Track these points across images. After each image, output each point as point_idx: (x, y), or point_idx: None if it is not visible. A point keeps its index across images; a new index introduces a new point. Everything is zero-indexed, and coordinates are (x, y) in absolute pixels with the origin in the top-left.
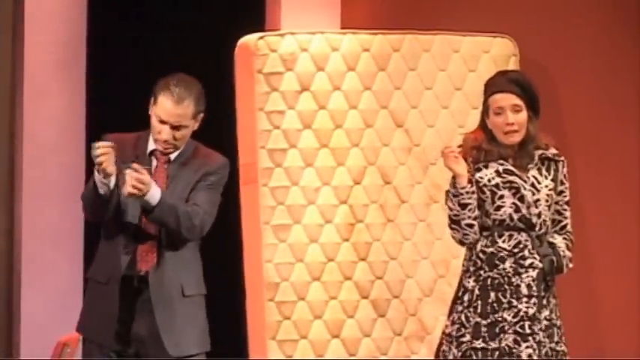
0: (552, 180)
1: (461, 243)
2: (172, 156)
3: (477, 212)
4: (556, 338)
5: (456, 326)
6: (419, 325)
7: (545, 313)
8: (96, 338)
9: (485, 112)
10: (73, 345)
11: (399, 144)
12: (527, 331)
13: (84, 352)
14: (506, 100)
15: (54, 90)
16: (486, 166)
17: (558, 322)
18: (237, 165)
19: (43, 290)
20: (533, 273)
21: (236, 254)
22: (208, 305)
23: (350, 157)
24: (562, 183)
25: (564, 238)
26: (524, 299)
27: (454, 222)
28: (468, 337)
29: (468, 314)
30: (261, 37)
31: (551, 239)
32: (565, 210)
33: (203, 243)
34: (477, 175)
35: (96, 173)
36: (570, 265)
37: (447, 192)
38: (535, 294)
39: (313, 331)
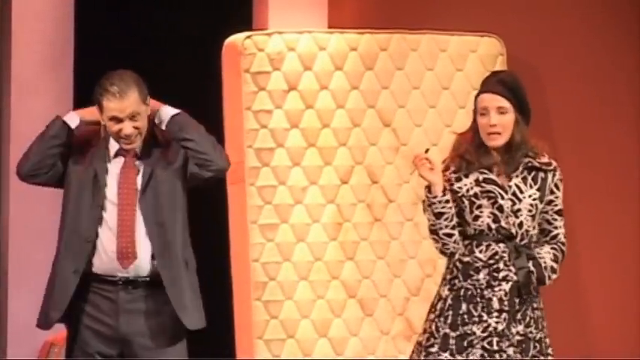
0: (538, 189)
1: (442, 253)
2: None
3: (454, 221)
4: (532, 352)
5: (426, 335)
6: (406, 324)
7: (519, 327)
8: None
9: (474, 113)
10: (61, 345)
11: (386, 143)
12: (495, 347)
13: (66, 352)
14: (492, 100)
15: (41, 89)
16: (467, 175)
17: (538, 335)
18: None
19: (30, 290)
20: (507, 286)
21: (223, 253)
22: None
23: (337, 157)
24: (552, 192)
25: (553, 249)
26: (495, 314)
27: (432, 232)
28: (435, 348)
29: (439, 324)
30: (249, 37)
31: (537, 250)
32: (555, 220)
33: (190, 242)
34: (457, 184)
35: (75, 116)
36: (553, 276)
37: (423, 202)
38: (506, 309)
39: (301, 331)
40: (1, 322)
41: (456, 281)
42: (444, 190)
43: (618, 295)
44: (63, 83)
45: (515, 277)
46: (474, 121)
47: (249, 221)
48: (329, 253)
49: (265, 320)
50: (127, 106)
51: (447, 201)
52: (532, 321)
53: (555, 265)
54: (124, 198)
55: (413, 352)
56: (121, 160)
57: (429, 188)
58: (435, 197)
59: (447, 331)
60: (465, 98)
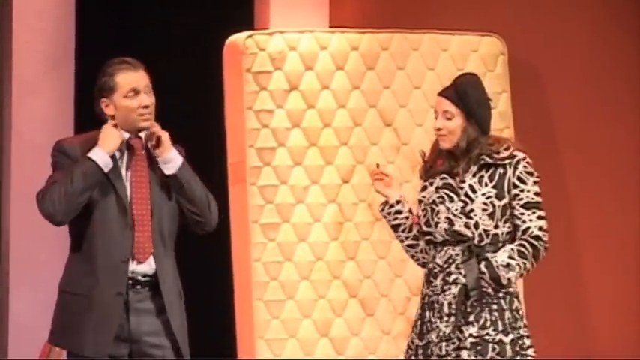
0: (494, 187)
1: (419, 265)
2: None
3: (414, 232)
4: (491, 354)
5: (406, 348)
6: (407, 324)
7: (472, 329)
8: (82, 352)
9: None
10: None
11: (387, 143)
12: (443, 352)
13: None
14: (440, 104)
15: (42, 89)
16: (432, 183)
17: (499, 337)
18: (226, 164)
19: (31, 290)
20: (455, 289)
21: (224, 253)
22: (197, 304)
23: (339, 156)
24: (515, 186)
25: (519, 244)
26: (445, 318)
27: (401, 243)
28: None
29: (412, 335)
30: (250, 36)
31: (502, 248)
32: (522, 214)
33: (192, 242)
34: (422, 194)
35: (99, 153)
36: (512, 274)
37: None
38: (453, 312)
39: (302, 330)
40: (3, 322)
41: (423, 289)
42: (399, 201)
43: (619, 295)
44: (64, 83)
45: (464, 280)
46: None
47: (251, 221)
48: (330, 252)
49: (266, 320)
50: (143, 76)
51: (398, 212)
52: (489, 323)
53: (514, 262)
54: (137, 192)
55: None
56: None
57: (385, 202)
58: (382, 210)
59: (417, 341)
60: None
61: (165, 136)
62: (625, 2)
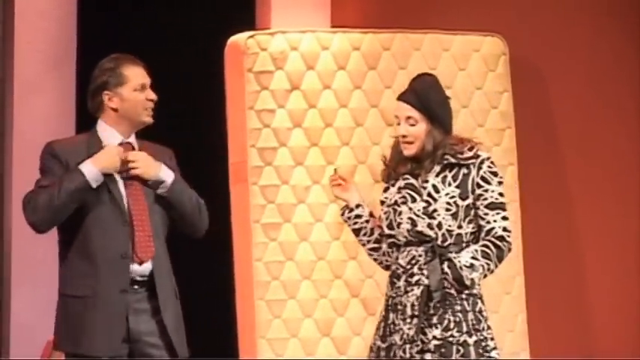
0: (458, 186)
1: (382, 268)
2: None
3: (376, 235)
4: (455, 356)
5: (369, 351)
6: None
7: (435, 332)
8: (100, 354)
9: None
10: None
11: (389, 143)
12: (407, 355)
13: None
14: (402, 110)
15: (44, 88)
16: (394, 184)
17: (463, 339)
18: (228, 164)
19: (32, 290)
20: (417, 291)
21: (226, 253)
22: (199, 304)
23: (340, 156)
24: (479, 186)
25: (483, 245)
26: (408, 320)
27: (362, 247)
28: None
29: (375, 337)
30: (252, 36)
31: (466, 249)
32: (487, 214)
33: (193, 242)
34: (384, 195)
35: (91, 168)
36: (475, 274)
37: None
38: (416, 313)
39: (303, 330)
40: (4, 322)
41: (387, 291)
42: (358, 205)
43: (620, 296)
44: (66, 82)
45: (426, 281)
46: None
47: (252, 220)
48: (332, 252)
49: (268, 319)
50: (147, 73)
51: (358, 216)
52: (453, 324)
53: (478, 263)
54: (133, 191)
55: None
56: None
57: (345, 206)
58: (342, 214)
59: (379, 343)
60: (468, 98)
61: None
62: (627, 3)
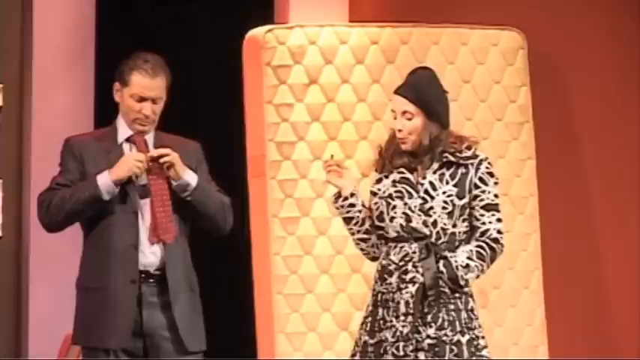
0: (455, 185)
1: (368, 259)
2: (150, 141)
3: (367, 225)
4: (449, 356)
5: (354, 344)
6: None
7: (429, 331)
8: (109, 346)
9: None
10: None
11: None
12: (401, 352)
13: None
14: (398, 104)
15: (63, 83)
16: (387, 177)
17: (456, 338)
18: (246, 158)
19: (51, 284)
20: (413, 288)
21: (244, 247)
22: (216, 299)
23: (358, 150)
24: (476, 186)
25: (477, 245)
26: (402, 317)
27: (352, 237)
28: (358, 357)
29: (361, 332)
30: (270, 30)
31: (460, 248)
32: (483, 215)
33: (211, 236)
34: (377, 186)
35: (107, 179)
36: (470, 275)
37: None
38: (411, 311)
39: (322, 324)
40: (22, 317)
41: (376, 286)
42: (352, 194)
43: (639, 288)
44: (85, 77)
45: (421, 279)
46: None
47: (271, 215)
48: (350, 246)
49: (286, 314)
50: (156, 87)
51: (352, 205)
52: (447, 323)
53: (473, 263)
54: (153, 171)
55: None
56: (132, 147)
57: (338, 194)
58: (336, 202)
59: (366, 338)
60: (487, 92)
61: (177, 160)
62: None
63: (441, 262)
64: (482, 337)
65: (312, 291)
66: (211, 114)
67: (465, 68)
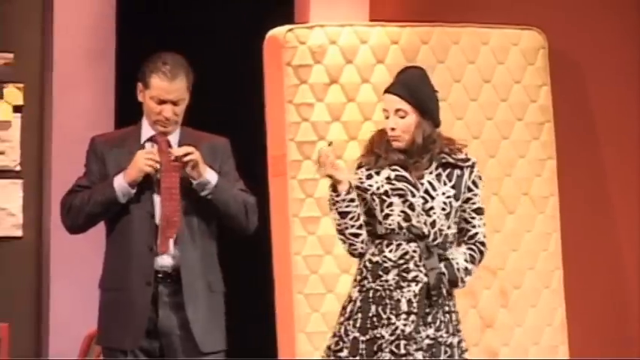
0: (453, 187)
1: (351, 254)
2: (173, 141)
3: (360, 221)
4: (443, 357)
5: (335, 339)
6: None
7: (429, 331)
8: (124, 346)
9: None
10: None
11: None
12: (402, 351)
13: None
14: (391, 103)
15: (83, 83)
16: (378, 173)
17: (450, 340)
18: (267, 157)
19: (71, 283)
20: (416, 288)
21: (265, 247)
22: (237, 299)
23: None
24: (469, 189)
25: (469, 249)
26: (403, 316)
27: (339, 232)
28: (345, 353)
29: (348, 327)
30: (290, 30)
31: (452, 250)
32: (473, 218)
33: (231, 236)
34: (367, 182)
35: (122, 182)
36: (467, 278)
37: (328, 201)
38: (415, 311)
39: None
40: (43, 316)
41: (365, 282)
42: (349, 188)
43: None
44: (105, 77)
45: (425, 279)
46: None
47: (291, 214)
48: None
49: (307, 313)
50: (175, 89)
51: (352, 199)
52: (443, 325)
53: (470, 266)
54: (165, 167)
55: (322, 356)
56: (154, 147)
57: (333, 186)
58: (338, 195)
59: (357, 334)
60: (507, 91)
61: (200, 159)
62: None
63: (442, 263)
64: (464, 340)
65: (332, 290)
66: (232, 114)
67: (485, 68)
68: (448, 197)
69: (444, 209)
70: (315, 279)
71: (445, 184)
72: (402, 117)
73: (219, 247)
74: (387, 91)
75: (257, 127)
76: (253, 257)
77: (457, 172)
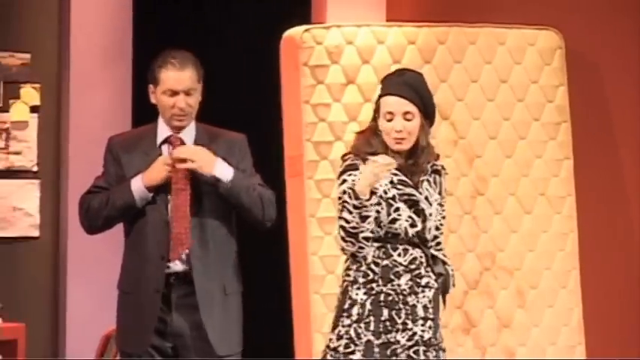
0: (439, 193)
1: (353, 256)
2: (189, 137)
3: (374, 224)
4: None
5: (344, 341)
6: (464, 317)
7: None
8: (133, 350)
9: (376, 112)
10: None
11: (444, 136)
12: (422, 357)
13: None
14: (398, 105)
15: (100, 83)
16: None
17: (443, 344)
18: (284, 158)
19: (88, 285)
20: (430, 293)
21: (282, 247)
22: (254, 299)
23: None
24: (443, 197)
25: (443, 255)
26: (420, 322)
27: (351, 235)
28: (358, 356)
29: (359, 330)
30: (307, 30)
31: (441, 257)
32: (442, 225)
33: (248, 236)
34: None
35: (140, 185)
36: (453, 286)
37: (345, 203)
38: (431, 317)
39: None
40: (60, 316)
41: (374, 285)
42: (372, 192)
43: None
44: (122, 77)
45: (435, 285)
46: (374, 120)
47: (308, 215)
48: None
49: (324, 313)
50: (185, 78)
51: (373, 204)
52: (439, 329)
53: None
54: (177, 182)
55: (324, 358)
56: (165, 151)
57: (353, 190)
58: (368, 200)
59: (371, 338)
60: (524, 91)
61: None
62: None
63: (444, 269)
64: None
65: None
66: (248, 114)
67: (502, 68)
68: (439, 204)
69: (436, 215)
70: (332, 279)
71: (434, 190)
72: (410, 120)
73: (237, 246)
74: (391, 93)
75: (274, 128)
76: (270, 257)
77: (439, 178)
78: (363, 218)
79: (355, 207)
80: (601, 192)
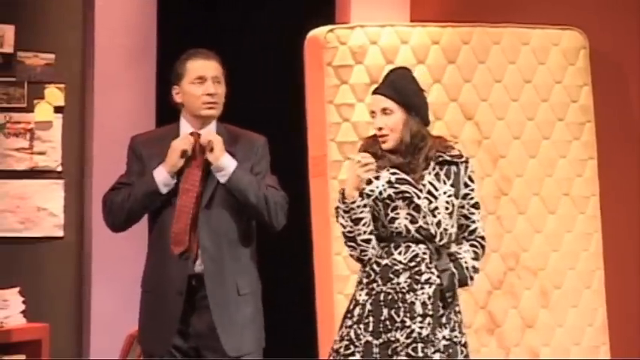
0: (452, 185)
1: (359, 260)
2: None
3: (372, 226)
4: (460, 356)
5: (345, 343)
6: (489, 317)
7: (444, 332)
8: (155, 351)
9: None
10: None
11: (468, 137)
12: (420, 354)
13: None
14: (376, 103)
15: (124, 83)
16: (377, 177)
17: (463, 339)
18: (307, 157)
19: (112, 283)
20: (430, 290)
21: (306, 247)
22: (278, 298)
23: None
24: (466, 185)
25: (472, 245)
26: (419, 319)
27: (350, 239)
28: (358, 357)
29: (358, 331)
30: (331, 30)
31: (456, 249)
32: (472, 214)
33: (272, 236)
34: (368, 188)
35: (162, 171)
36: (475, 276)
37: (337, 208)
38: (430, 313)
39: None
40: (85, 315)
41: (374, 285)
42: (360, 193)
43: None
44: (146, 77)
45: (437, 280)
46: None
47: (332, 214)
48: None
49: None
50: (213, 67)
51: (365, 205)
52: (456, 325)
53: (477, 264)
54: (187, 181)
55: (328, 359)
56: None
57: (342, 194)
58: (353, 202)
59: (370, 338)
60: (548, 91)
61: (217, 143)
62: None
63: (451, 263)
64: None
65: None
66: (272, 114)
67: (526, 68)
68: (450, 196)
69: (447, 208)
70: (356, 279)
71: (445, 182)
72: (388, 114)
73: (260, 246)
74: (373, 92)
75: (297, 128)
76: (294, 257)
77: (453, 169)
78: (355, 221)
79: (345, 211)
80: (625, 192)
